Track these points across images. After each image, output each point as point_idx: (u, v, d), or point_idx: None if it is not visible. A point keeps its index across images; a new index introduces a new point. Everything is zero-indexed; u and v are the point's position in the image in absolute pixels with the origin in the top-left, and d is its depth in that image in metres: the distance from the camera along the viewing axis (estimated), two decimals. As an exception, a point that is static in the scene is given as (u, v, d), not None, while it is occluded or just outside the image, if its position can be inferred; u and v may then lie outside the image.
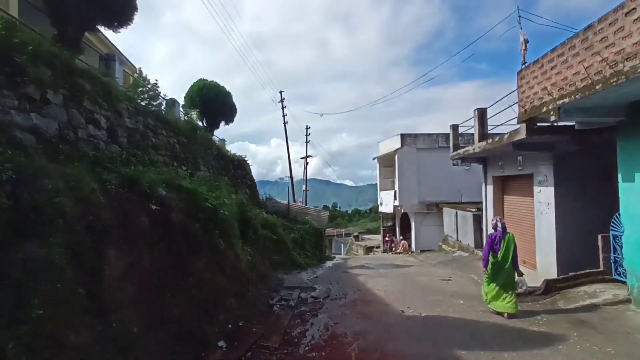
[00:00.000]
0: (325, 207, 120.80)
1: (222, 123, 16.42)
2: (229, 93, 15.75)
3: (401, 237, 25.24)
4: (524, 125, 8.70)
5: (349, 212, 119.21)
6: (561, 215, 9.50)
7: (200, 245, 6.05)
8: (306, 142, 27.70)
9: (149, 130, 8.10)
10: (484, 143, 11.37)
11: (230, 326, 5.90)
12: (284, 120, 25.88)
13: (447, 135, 25.29)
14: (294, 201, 26.68)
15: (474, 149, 12.21)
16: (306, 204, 25.59)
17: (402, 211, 24.70)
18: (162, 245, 5.47)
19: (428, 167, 24.35)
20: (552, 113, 7.04)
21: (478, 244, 15.28)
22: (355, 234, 38.23)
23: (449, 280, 10.94)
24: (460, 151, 13.51)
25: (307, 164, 26.82)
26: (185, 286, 5.38)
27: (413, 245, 24.44)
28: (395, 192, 25.01)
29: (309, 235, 18.58)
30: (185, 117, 14.02)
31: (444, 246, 18.78)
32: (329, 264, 17.18)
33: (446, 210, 19.37)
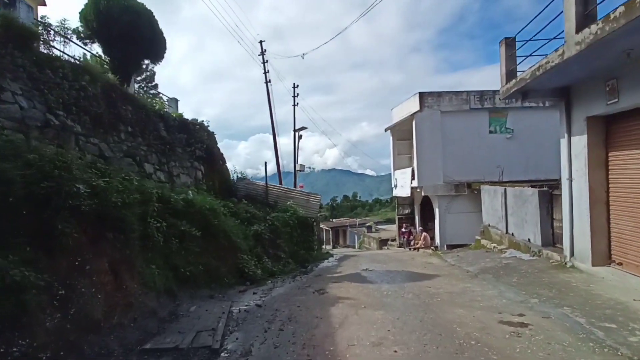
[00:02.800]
0: (346, 197, 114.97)
1: (148, 63, 10.71)
2: (149, 12, 9.98)
3: (421, 228, 19.06)
4: None
5: (370, 201, 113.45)
6: None
7: None
8: (294, 105, 21.38)
9: None
10: (587, 36, 5.15)
11: None
12: (266, 78, 19.97)
13: (481, 93, 18.76)
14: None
15: (561, 55, 5.95)
16: (295, 186, 19.74)
17: (423, 194, 18.52)
18: None
19: (456, 135, 18.00)
20: None
21: (549, 241, 9.02)
22: (368, 224, 32.16)
23: (525, 328, 4.86)
24: (526, 74, 7.24)
25: (300, 137, 20.91)
26: None
27: (437, 239, 18.26)
28: (412, 170, 18.79)
29: (289, 227, 12.78)
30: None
31: (483, 241, 12.56)
32: (314, 269, 11.38)
33: (487, 190, 13.09)
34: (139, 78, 32.74)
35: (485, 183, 16.79)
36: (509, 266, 8.63)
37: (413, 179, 18.61)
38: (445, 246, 17.22)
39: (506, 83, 8.23)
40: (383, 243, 25.11)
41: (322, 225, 46.38)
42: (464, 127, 18.09)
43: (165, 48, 10.68)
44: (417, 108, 17.88)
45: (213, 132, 14.75)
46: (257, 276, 8.70)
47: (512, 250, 10.30)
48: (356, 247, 34.00)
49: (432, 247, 18.19)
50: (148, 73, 34.73)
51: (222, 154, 15.44)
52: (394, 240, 24.34)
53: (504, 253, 10.42)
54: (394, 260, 12.75)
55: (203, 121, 13.79)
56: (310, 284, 8.50)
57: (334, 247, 39.99)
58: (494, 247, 11.44)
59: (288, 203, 14.10)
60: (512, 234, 10.67)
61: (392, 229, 29.43)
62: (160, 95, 13.25)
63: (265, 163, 14.93)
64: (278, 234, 12.07)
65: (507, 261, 9.33)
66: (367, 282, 8.41)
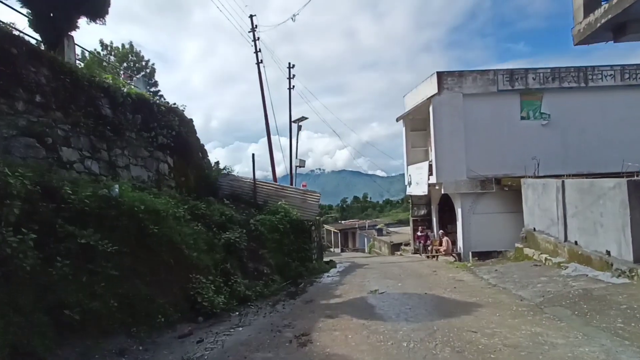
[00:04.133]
0: (356, 198, 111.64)
1: (85, 20, 8.12)
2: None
3: (442, 232, 16.10)
4: None
5: (380, 202, 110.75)
6: None
7: None
8: (289, 88, 18.36)
9: None
10: None
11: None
12: (257, 58, 17.03)
13: (510, 72, 15.67)
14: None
15: None
16: (292, 183, 16.86)
17: (442, 192, 15.57)
18: None
19: (481, 122, 15.06)
20: None
21: (645, 254, 6.04)
22: (379, 226, 29.19)
23: None
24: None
25: (299, 128, 17.99)
26: None
27: (459, 244, 15.28)
28: (430, 164, 15.87)
29: (278, 233, 10.04)
30: None
31: (527, 250, 9.59)
32: (307, 289, 8.62)
33: (532, 185, 10.14)
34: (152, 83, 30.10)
35: (524, 177, 13.83)
36: (590, 294, 5.68)
37: (431, 174, 15.69)
38: (470, 254, 14.24)
39: (585, 16, 5.32)
40: (395, 248, 22.18)
41: (330, 228, 43.57)
42: (491, 113, 15.12)
43: (108, 2, 8.05)
44: (435, 91, 14.97)
45: (190, 119, 12.10)
46: (216, 306, 5.95)
47: (577, 266, 7.34)
48: (366, 250, 31.12)
49: (454, 254, 15.27)
50: (148, 70, 32.52)
51: (202, 146, 12.81)
52: (407, 244, 21.39)
53: (564, 269, 7.47)
54: (411, 274, 9.89)
55: (175, 104, 11.15)
56: (292, 320, 5.70)
57: (342, 250, 37.12)
58: (545, 259, 8.48)
59: (279, 203, 11.35)
60: (576, 243, 7.70)
61: (404, 232, 26.48)
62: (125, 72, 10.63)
63: (253, 155, 12.21)
64: (262, 242, 9.34)
65: (577, 283, 6.38)
66: (377, 317, 5.59)
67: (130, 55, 31.98)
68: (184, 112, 11.54)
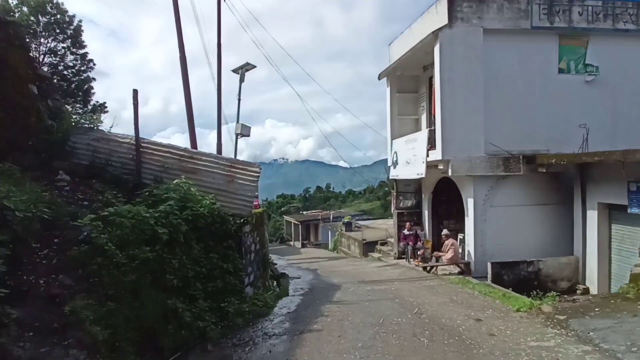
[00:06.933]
0: (319, 188, 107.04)
1: None
2: None
3: (446, 232, 10.99)
4: None
5: (343, 193, 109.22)
6: None
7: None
8: (218, 12, 11.68)
9: None
10: None
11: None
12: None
13: (550, 1, 10.96)
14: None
15: None
16: (220, 152, 10.67)
17: (448, 174, 10.45)
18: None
19: (507, 74, 10.07)
20: None
21: None
22: (346, 218, 24.00)
23: None
24: None
25: (242, 79, 11.99)
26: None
27: (469, 250, 10.29)
28: (430, 134, 10.67)
29: (154, 246, 4.30)
30: None
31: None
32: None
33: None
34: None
35: (562, 156, 9.20)
36: None
37: (431, 148, 10.51)
38: (488, 266, 9.23)
39: None
40: (369, 247, 17.04)
41: (291, 219, 37.88)
42: (520, 60, 10.17)
43: None
44: (444, 22, 9.71)
45: (11, 21, 6.02)
46: None
47: None
48: (330, 246, 25.90)
49: (460, 264, 10.34)
50: (72, 27, 24.48)
51: (44, 77, 6.77)
52: (384, 243, 16.34)
53: None
54: (436, 330, 4.57)
55: None
56: None
57: (303, 245, 31.74)
58: None
59: (176, 181, 5.63)
60: None
61: (377, 226, 21.40)
62: None
63: (135, 92, 6.22)
64: (95, 272, 3.59)
65: None
66: None
67: (48, 7, 24.06)
68: None
